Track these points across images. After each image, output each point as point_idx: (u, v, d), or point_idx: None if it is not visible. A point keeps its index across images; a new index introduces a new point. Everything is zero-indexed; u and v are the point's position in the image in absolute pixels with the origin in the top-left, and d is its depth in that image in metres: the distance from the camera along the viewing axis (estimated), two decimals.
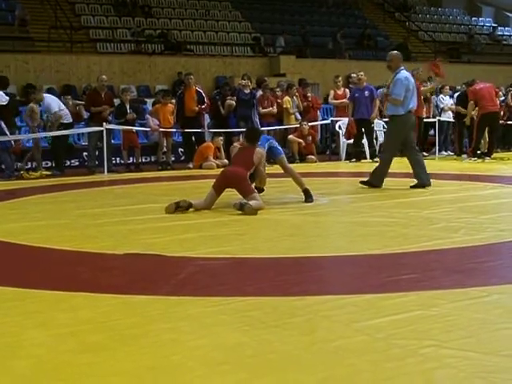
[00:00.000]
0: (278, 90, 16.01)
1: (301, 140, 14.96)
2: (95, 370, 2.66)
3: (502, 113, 16.72)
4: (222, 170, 7.80)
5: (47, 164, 14.38)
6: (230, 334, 3.08)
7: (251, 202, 6.87)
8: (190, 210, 7.07)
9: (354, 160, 14.53)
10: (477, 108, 14.54)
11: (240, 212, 6.76)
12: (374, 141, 15.11)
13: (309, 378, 2.55)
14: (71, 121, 13.56)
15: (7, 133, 12.17)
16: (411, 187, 8.97)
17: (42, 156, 13.86)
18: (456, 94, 17.04)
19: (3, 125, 12.13)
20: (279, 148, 8.26)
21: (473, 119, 14.73)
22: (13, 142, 12.58)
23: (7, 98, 12.24)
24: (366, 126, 14.48)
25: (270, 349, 2.87)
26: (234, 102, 14.76)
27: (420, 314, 3.29)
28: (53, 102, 13.19)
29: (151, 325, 3.23)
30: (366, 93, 14.43)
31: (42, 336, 3.11)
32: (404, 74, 9.16)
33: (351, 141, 14.99)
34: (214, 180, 7.43)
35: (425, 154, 15.62)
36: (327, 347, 2.87)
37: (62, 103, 13.61)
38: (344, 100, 15.57)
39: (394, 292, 3.71)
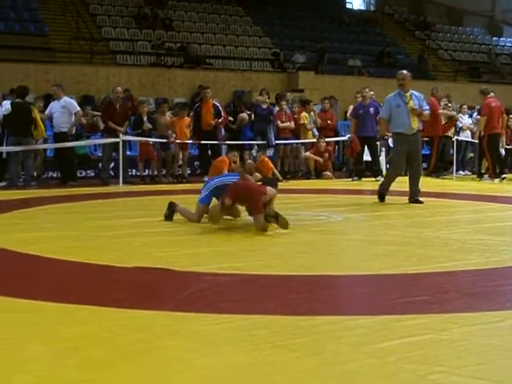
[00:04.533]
0: (295, 106, 16.00)
1: (319, 158, 14.89)
2: None
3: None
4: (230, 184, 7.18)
5: (51, 175, 14.48)
6: (234, 353, 3.00)
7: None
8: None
9: (356, 178, 14.37)
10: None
11: (255, 227, 6.63)
12: (381, 158, 15.06)
13: None
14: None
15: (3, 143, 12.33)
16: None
17: (47, 166, 14.05)
18: (475, 113, 16.95)
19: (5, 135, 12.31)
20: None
21: (480, 138, 14.69)
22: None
23: (8, 107, 12.29)
24: (370, 144, 14.34)
25: (275, 370, 2.79)
26: (246, 116, 14.76)
27: (431, 338, 3.20)
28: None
29: (155, 341, 3.17)
30: (371, 110, 14.32)
31: (43, 350, 3.05)
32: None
33: (367, 157, 14.87)
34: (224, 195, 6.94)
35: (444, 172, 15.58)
36: (335, 370, 2.79)
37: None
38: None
39: (405, 314, 3.63)
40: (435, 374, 2.73)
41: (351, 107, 16.08)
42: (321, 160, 14.87)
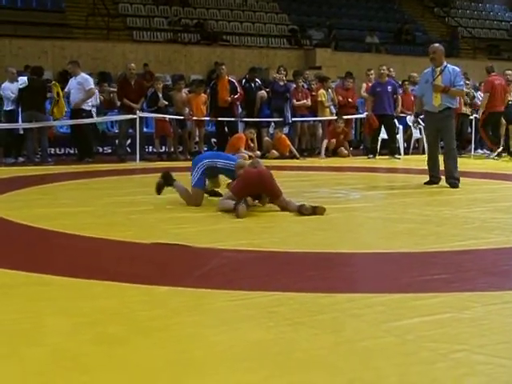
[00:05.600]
0: (313, 82, 15.90)
1: (332, 140, 14.71)
2: (112, 363, 2.58)
3: None
4: (244, 173, 6.71)
5: (68, 151, 14.54)
6: (253, 330, 2.98)
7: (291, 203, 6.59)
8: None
9: (371, 156, 14.27)
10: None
11: (290, 209, 6.41)
12: (398, 137, 14.95)
13: (334, 380, 2.45)
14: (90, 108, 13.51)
15: (19, 120, 12.53)
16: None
17: (63, 143, 14.27)
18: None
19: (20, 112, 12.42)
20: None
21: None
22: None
23: (25, 81, 12.41)
24: (388, 122, 14.22)
25: (294, 347, 2.76)
26: (265, 94, 14.69)
27: (451, 317, 3.17)
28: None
29: (173, 317, 3.15)
30: (389, 88, 14.20)
31: (61, 324, 3.05)
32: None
33: (384, 135, 14.70)
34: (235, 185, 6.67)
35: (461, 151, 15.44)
36: (354, 348, 2.76)
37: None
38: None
39: (424, 292, 3.59)
40: (456, 352, 2.70)
41: (364, 85, 15.95)
42: (333, 141, 14.68)
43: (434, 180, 8.96)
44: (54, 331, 2.96)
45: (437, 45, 9.28)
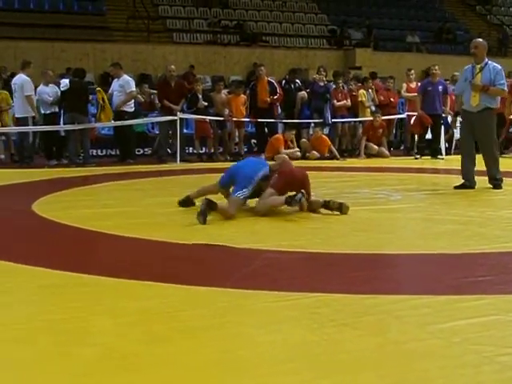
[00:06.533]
0: (352, 83, 15.82)
1: (370, 144, 14.58)
2: (160, 362, 2.61)
3: None
4: (287, 169, 6.77)
5: (110, 153, 14.69)
6: (297, 331, 2.99)
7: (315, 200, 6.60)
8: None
9: (418, 156, 14.11)
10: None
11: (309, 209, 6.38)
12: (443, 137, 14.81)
13: (378, 382, 2.44)
14: (133, 109, 13.56)
15: (60, 122, 12.67)
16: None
17: (105, 144, 14.47)
18: None
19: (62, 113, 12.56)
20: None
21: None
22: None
23: (67, 84, 12.52)
24: (436, 122, 14.07)
25: (338, 348, 2.76)
26: (305, 94, 14.67)
27: (497, 319, 3.13)
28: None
29: (217, 318, 3.17)
30: (440, 88, 14.03)
31: (108, 324, 3.09)
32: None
33: (428, 135, 14.49)
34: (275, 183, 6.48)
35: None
36: (399, 349, 2.75)
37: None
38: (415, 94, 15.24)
39: (469, 294, 3.55)
40: (503, 355, 2.67)
41: (404, 85, 15.80)
42: (376, 147, 14.55)
43: (467, 185, 8.45)
44: (101, 331, 3.00)
45: (480, 40, 8.88)
